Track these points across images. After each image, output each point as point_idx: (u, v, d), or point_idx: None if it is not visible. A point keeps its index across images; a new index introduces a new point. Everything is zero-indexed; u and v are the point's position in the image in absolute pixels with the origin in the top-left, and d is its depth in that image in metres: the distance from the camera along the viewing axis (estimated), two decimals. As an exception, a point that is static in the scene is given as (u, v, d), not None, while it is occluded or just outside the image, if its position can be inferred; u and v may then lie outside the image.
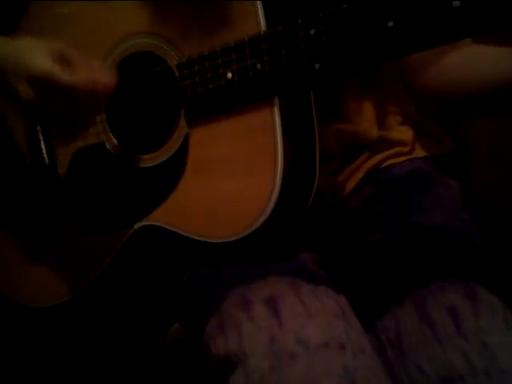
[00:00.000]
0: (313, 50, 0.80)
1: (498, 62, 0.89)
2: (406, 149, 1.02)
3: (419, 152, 1.03)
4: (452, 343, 0.82)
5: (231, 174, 0.87)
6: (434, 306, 0.85)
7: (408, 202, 0.98)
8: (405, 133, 1.03)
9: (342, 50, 0.79)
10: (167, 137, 0.92)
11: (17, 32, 1.02)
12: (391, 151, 1.01)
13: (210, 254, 0.93)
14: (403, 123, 1.03)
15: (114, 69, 0.94)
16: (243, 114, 0.86)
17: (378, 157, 1.01)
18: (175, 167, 0.91)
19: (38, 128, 1.00)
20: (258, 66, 0.83)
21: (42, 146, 1.00)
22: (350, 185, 1.00)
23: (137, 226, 0.94)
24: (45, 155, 1.00)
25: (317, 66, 0.81)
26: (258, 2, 0.83)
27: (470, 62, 0.93)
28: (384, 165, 1.01)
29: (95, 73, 0.87)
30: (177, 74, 0.90)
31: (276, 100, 0.83)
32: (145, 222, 0.93)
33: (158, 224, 0.92)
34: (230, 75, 0.85)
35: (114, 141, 0.97)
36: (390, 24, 0.75)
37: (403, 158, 1.02)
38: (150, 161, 0.94)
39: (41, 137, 1.00)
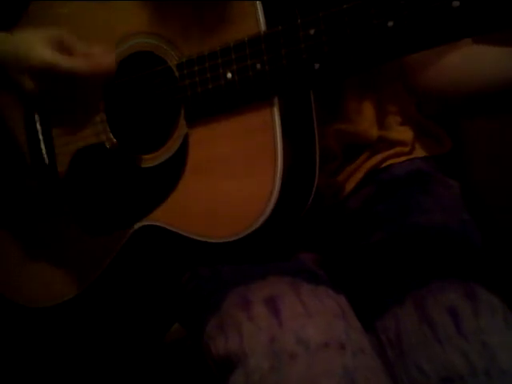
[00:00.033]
0: (313, 50, 0.80)
1: (498, 62, 0.89)
2: (405, 149, 1.02)
3: (419, 152, 1.03)
4: (452, 343, 0.82)
5: (231, 174, 0.87)
6: (434, 306, 0.85)
7: (408, 202, 0.98)
8: (405, 133, 1.03)
9: (341, 50, 0.79)
10: (167, 137, 0.92)
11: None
12: (391, 151, 1.01)
13: (209, 254, 0.93)
14: (403, 123, 1.03)
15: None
16: (243, 114, 0.86)
17: (378, 157, 1.01)
18: (175, 167, 0.91)
19: (38, 128, 1.00)
20: (258, 66, 0.83)
21: (42, 145, 1.00)
22: (350, 185, 1.00)
23: (137, 226, 0.94)
24: (45, 155, 1.00)
25: (317, 65, 0.80)
26: (257, 2, 0.83)
27: (470, 61, 0.93)
28: (384, 165, 1.01)
29: (96, 57, 0.87)
30: (177, 74, 0.90)
31: (276, 100, 0.83)
32: (145, 222, 0.93)
33: (158, 224, 0.92)
34: (229, 75, 0.85)
35: (114, 141, 0.97)
36: (390, 24, 0.75)
37: (403, 158, 1.02)
38: (149, 161, 0.94)
39: (41, 137, 1.00)
